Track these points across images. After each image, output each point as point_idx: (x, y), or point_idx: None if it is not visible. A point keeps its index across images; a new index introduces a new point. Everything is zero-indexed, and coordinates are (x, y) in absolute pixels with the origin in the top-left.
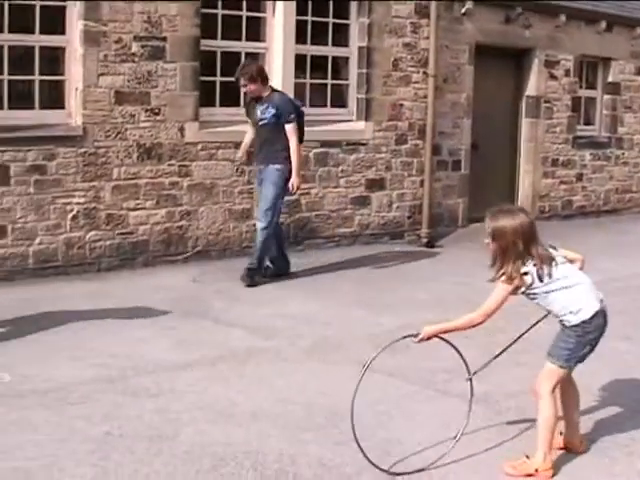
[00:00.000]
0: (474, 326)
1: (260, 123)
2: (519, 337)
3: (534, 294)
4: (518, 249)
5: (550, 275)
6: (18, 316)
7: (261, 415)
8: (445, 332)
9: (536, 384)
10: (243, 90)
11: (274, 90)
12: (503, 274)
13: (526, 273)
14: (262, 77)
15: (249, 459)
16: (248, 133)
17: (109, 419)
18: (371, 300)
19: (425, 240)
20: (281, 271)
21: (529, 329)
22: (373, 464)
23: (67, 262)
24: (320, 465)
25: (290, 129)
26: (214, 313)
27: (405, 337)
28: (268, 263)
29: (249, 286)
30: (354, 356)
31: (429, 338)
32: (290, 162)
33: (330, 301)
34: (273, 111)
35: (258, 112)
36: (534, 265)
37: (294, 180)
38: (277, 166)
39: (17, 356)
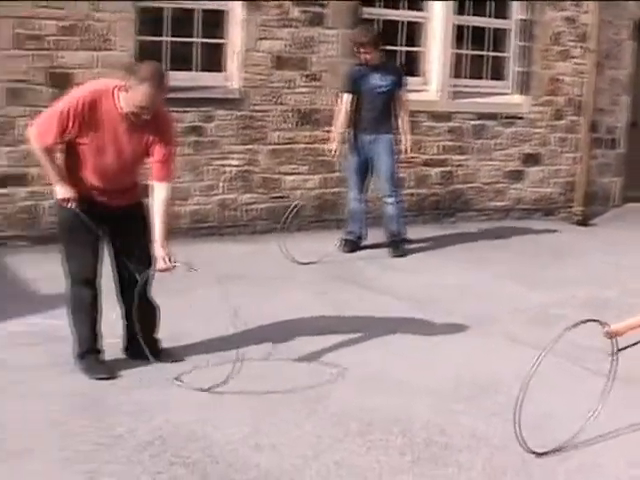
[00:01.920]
0: None
1: (378, 91)
2: None
3: None
4: None
5: None
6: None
7: (410, 384)
8: (633, 328)
9: None
10: (363, 57)
11: (384, 56)
12: None
13: None
14: (381, 43)
15: (397, 426)
16: (339, 118)
17: (265, 380)
18: (522, 274)
19: (578, 218)
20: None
21: None
22: (524, 446)
23: (221, 223)
24: (471, 436)
25: (405, 95)
26: (365, 280)
27: (586, 321)
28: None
29: (398, 256)
30: (504, 329)
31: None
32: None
33: (481, 274)
34: (392, 77)
35: (375, 80)
36: None
37: (408, 146)
38: (391, 135)
39: (169, 312)
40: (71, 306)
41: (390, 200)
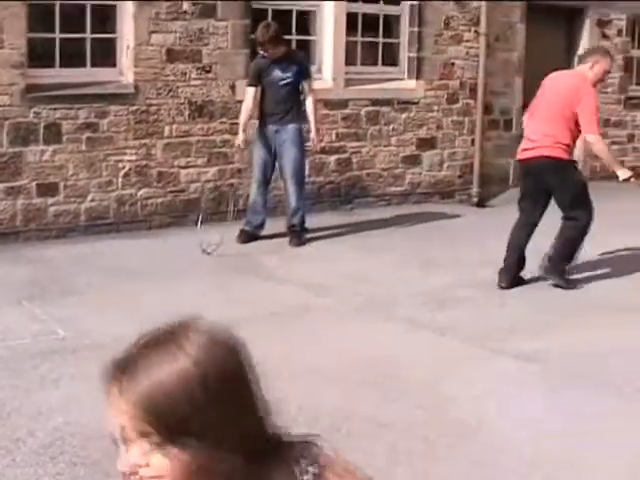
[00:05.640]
0: None
1: (281, 83)
2: None
3: None
4: None
5: None
6: (71, 272)
7: (314, 371)
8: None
9: None
10: (264, 54)
11: (287, 48)
12: None
13: None
14: (281, 38)
15: (302, 415)
16: (245, 109)
17: None
18: (421, 258)
19: (476, 200)
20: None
21: None
22: None
23: (119, 219)
24: (374, 422)
25: (312, 85)
26: (265, 270)
27: None
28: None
29: (297, 246)
30: (404, 314)
31: None
32: (305, 120)
33: (380, 259)
34: (295, 68)
35: (277, 72)
36: None
37: (315, 137)
38: (298, 125)
39: (71, 312)
40: None
41: (293, 191)
